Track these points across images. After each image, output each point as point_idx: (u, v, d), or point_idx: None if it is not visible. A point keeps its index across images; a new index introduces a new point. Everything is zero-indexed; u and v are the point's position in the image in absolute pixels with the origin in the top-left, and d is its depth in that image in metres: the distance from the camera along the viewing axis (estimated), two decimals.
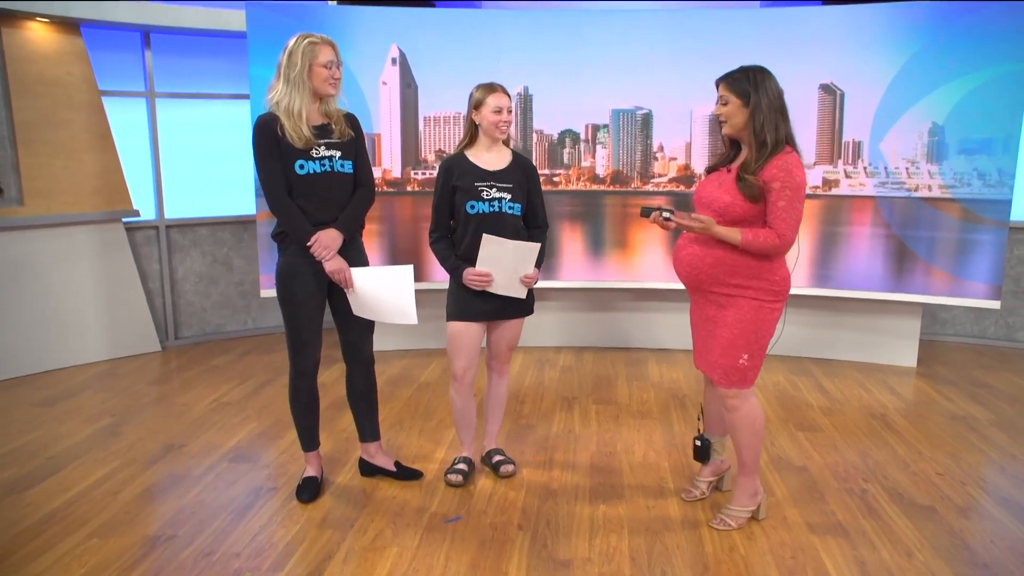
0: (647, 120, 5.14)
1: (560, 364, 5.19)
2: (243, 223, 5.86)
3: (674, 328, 5.42)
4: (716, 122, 2.82)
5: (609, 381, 4.80)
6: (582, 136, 5.21)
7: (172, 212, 5.66)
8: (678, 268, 2.86)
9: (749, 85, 2.65)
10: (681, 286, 5.12)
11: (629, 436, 3.88)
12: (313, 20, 4.78)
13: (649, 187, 5.20)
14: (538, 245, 3.12)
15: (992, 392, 4.61)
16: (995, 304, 4.76)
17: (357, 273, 3.02)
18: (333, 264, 2.97)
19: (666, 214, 2.77)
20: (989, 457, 3.63)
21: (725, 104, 2.72)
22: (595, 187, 5.25)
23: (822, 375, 4.90)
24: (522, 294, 3.17)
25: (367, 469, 3.40)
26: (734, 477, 3.24)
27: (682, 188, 5.15)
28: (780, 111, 2.67)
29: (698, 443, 3.11)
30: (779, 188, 2.62)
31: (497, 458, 3.43)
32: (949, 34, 4.64)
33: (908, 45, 4.72)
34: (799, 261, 4.86)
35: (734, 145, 2.82)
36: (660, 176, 5.19)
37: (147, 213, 5.53)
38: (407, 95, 5.08)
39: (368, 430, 3.35)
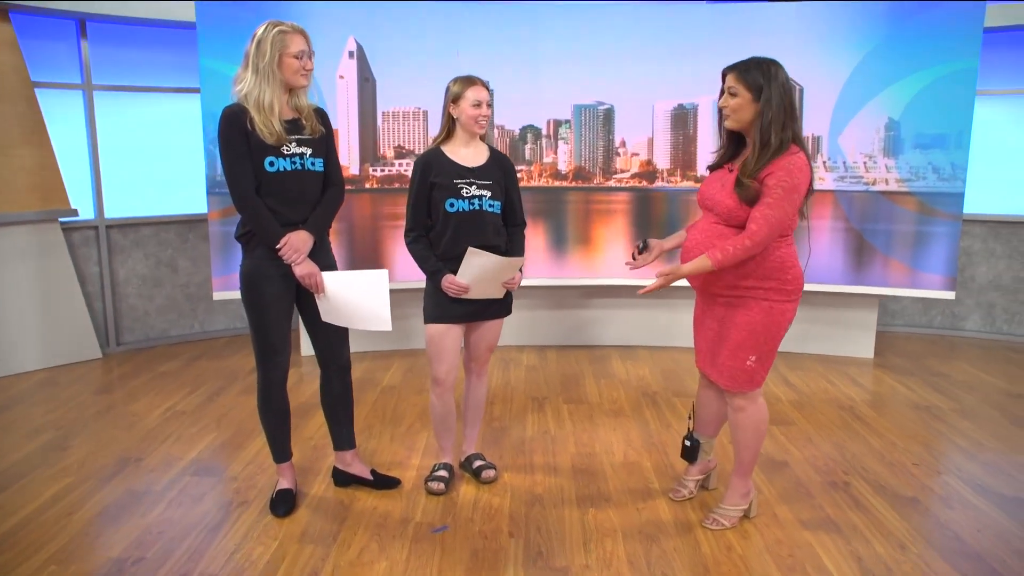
0: (609, 115, 5.08)
1: (525, 363, 5.10)
2: (189, 223, 5.59)
3: (637, 324, 5.39)
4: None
5: (576, 380, 4.74)
6: (544, 131, 5.13)
7: (112, 211, 5.35)
8: None
9: (762, 78, 2.50)
10: (644, 282, 5.16)
11: (606, 436, 3.82)
12: (267, 10, 4.53)
13: (611, 183, 5.15)
14: (522, 260, 3.06)
15: (949, 381, 4.72)
16: (950, 295, 4.88)
17: (329, 277, 2.85)
18: (304, 268, 2.80)
19: (640, 244, 2.82)
20: (958, 445, 3.70)
21: (734, 96, 2.56)
22: (557, 183, 5.18)
23: (785, 368, 4.94)
24: (500, 294, 3.09)
25: (341, 479, 3.24)
26: (720, 475, 3.23)
27: (644, 184, 5.12)
28: (789, 109, 2.52)
29: (687, 443, 3.05)
30: (773, 185, 2.49)
31: (478, 463, 3.32)
32: (903, 32, 4.73)
33: (864, 42, 4.79)
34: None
35: (732, 138, 2.69)
36: (622, 172, 5.15)
37: (85, 212, 5.21)
38: (365, 89, 4.90)
39: (344, 438, 3.20)
